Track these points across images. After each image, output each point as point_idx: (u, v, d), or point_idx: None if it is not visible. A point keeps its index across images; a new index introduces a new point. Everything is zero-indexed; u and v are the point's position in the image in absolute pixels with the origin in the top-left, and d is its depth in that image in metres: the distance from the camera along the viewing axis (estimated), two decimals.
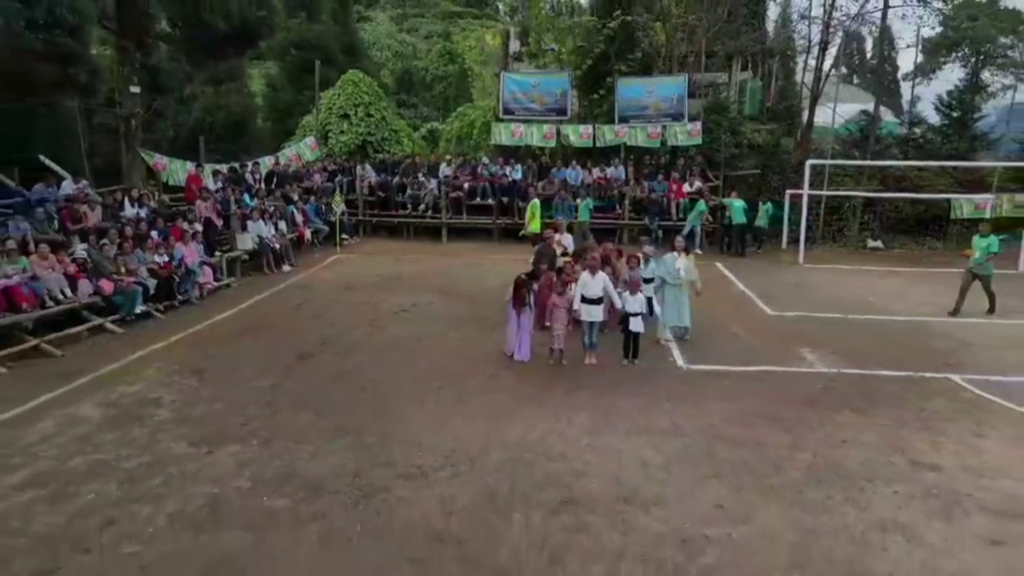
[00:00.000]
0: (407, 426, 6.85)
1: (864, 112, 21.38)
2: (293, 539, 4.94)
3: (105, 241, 11.21)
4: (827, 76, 20.89)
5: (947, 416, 7.17)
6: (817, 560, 4.68)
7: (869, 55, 47.28)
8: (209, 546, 4.84)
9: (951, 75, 26.72)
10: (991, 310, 11.43)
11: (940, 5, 21.14)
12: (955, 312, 11.37)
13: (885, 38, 24.13)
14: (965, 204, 18.31)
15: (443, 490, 5.61)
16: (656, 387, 8.06)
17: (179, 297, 11.77)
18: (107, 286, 10.34)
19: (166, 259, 11.81)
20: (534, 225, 15.09)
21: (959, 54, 24.47)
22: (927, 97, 23.71)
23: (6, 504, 5.36)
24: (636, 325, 8.84)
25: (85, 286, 10.22)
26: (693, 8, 20.27)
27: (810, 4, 25.10)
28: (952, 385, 8.11)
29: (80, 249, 10.65)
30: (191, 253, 12.33)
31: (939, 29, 23.06)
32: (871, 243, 18.56)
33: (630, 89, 19.69)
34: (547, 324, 9.15)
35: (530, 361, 8.84)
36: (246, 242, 14.40)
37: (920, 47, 24.83)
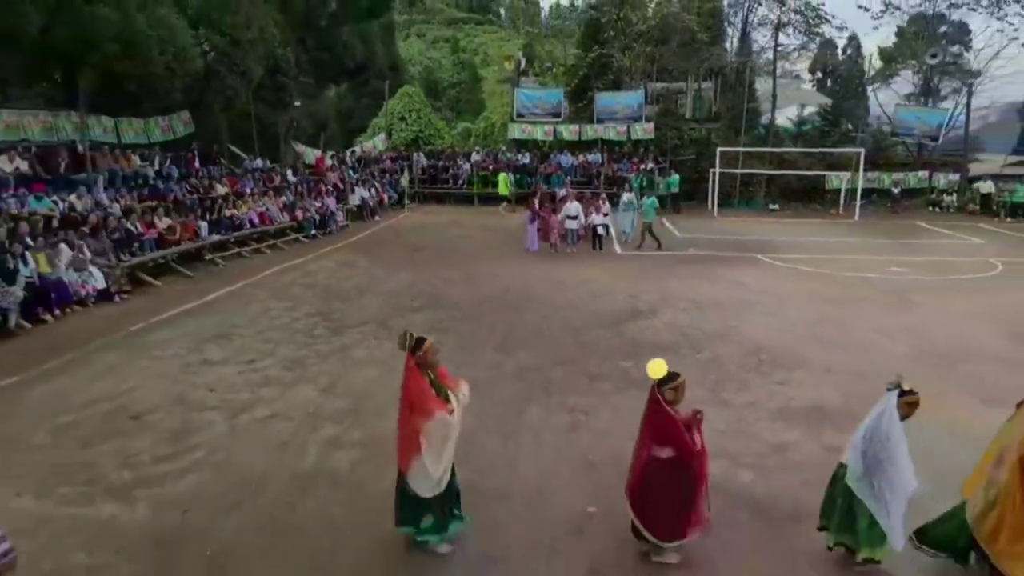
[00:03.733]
0: (482, 270, 13.63)
1: (817, 112, 27.92)
2: (446, 284, 11.76)
3: (288, 192, 17.99)
4: (747, 91, 27.49)
5: (741, 264, 14.01)
6: (653, 289, 11.47)
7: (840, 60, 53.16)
8: (415, 289, 11.65)
9: (907, 80, 30.85)
10: (659, 247, 15.62)
11: (817, 43, 27.63)
12: (638, 247, 15.86)
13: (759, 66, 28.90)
14: (835, 179, 25.13)
15: (506, 283, 12.39)
16: (606, 259, 14.89)
17: (327, 228, 18.54)
18: (299, 215, 17.14)
19: (319, 204, 18.58)
20: (503, 189, 23.53)
21: (911, 63, 28.47)
22: (893, 98, 28.62)
23: (329, 281, 12.20)
24: (600, 231, 15.68)
25: (287, 216, 17.02)
26: (651, 42, 26.83)
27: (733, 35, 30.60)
28: (755, 258, 14.91)
29: (283, 196, 17.42)
30: (331, 203, 19.11)
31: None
32: (771, 206, 25.32)
33: (604, 100, 26.37)
34: (552, 237, 15.88)
35: (537, 251, 15.65)
36: (355, 199, 21.17)
37: (878, 55, 30.23)
